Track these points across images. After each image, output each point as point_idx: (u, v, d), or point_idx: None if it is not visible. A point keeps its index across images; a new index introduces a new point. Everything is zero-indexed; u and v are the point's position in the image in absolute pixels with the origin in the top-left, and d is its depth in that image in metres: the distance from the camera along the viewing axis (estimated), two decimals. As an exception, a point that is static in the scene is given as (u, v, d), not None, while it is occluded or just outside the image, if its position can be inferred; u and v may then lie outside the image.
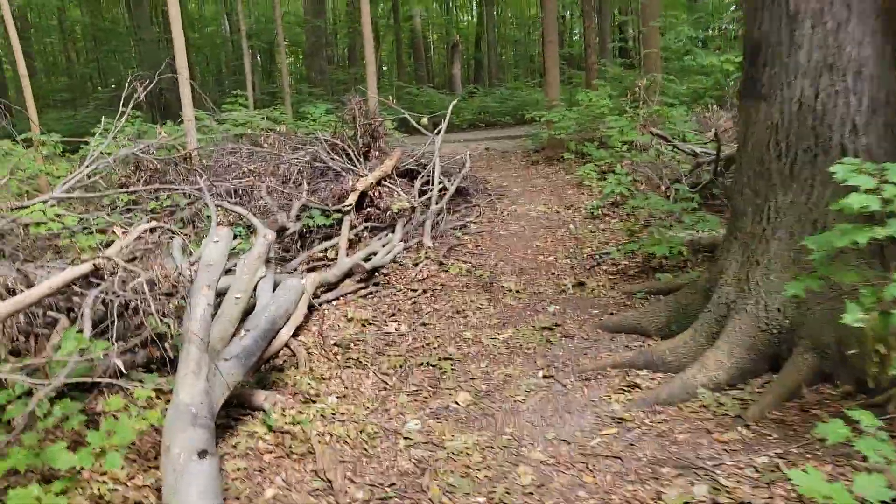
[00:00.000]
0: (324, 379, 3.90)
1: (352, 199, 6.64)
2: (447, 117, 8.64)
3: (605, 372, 3.66)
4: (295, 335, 4.43)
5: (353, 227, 6.66)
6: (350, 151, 7.91)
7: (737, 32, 23.23)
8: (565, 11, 32.91)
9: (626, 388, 3.41)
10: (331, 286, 5.35)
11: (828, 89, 2.91)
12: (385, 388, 3.78)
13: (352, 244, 6.65)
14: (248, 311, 4.10)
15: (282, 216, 5.78)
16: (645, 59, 12.95)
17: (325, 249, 6.24)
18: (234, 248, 5.48)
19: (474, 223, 7.63)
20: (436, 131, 8.45)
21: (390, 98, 9.06)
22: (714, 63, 11.97)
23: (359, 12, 27.12)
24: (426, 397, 3.62)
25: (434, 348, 4.31)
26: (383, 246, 6.32)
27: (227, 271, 4.81)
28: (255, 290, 4.23)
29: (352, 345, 4.39)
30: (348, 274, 5.59)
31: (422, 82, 28.25)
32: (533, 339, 4.31)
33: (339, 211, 6.60)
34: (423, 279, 5.80)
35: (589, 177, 9.32)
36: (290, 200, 6.46)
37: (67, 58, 30.65)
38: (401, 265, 6.15)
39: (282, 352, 4.22)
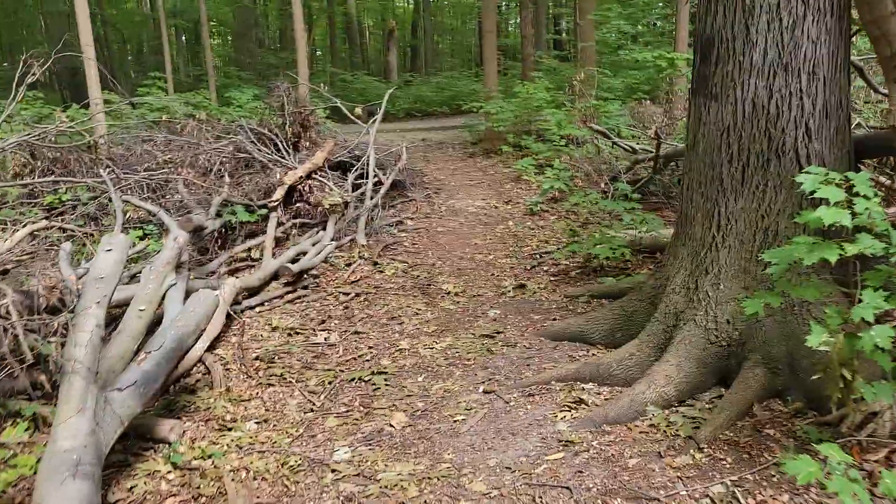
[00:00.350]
0: (242, 400, 3.50)
1: (279, 193, 6.18)
2: (383, 106, 8.26)
3: (549, 386, 3.44)
4: (211, 348, 4.00)
5: (280, 224, 6.21)
6: (278, 142, 7.40)
7: (663, 29, 23.80)
8: (501, 2, 32.84)
9: (571, 405, 3.20)
10: (254, 291, 4.91)
11: (782, 90, 2.76)
12: (312, 410, 3.42)
13: (279, 243, 6.20)
14: (157, 322, 3.65)
15: (199, 214, 5.28)
16: (581, 52, 12.93)
17: (250, 249, 5.77)
18: (142, 251, 4.96)
19: (411, 219, 7.31)
20: (370, 121, 8.05)
21: (322, 85, 8.54)
22: (647, 58, 12.06)
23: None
24: (357, 419, 3.30)
25: (367, 360, 3.98)
26: (313, 245, 5.91)
27: (133, 277, 4.32)
28: (163, 299, 3.77)
29: (276, 358, 4.00)
30: (274, 276, 5.16)
31: (357, 69, 27.53)
32: (473, 348, 4.05)
33: (264, 207, 6.13)
34: (357, 281, 5.44)
35: (527, 171, 9.16)
36: (210, 195, 5.93)
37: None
38: (332, 265, 5.77)
39: (195, 369, 3.79)
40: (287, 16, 29.93)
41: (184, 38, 33.02)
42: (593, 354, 3.76)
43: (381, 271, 5.66)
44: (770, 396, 2.87)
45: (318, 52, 35.96)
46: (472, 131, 12.94)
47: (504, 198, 8.27)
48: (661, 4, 23.84)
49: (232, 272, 5.44)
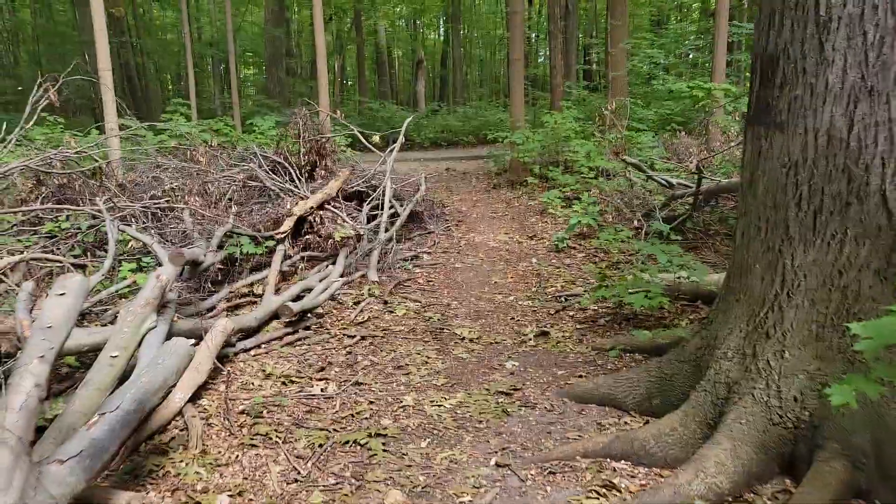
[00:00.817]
0: (219, 465, 3.05)
1: (287, 225, 5.81)
2: (402, 134, 7.92)
3: (573, 463, 2.91)
4: (195, 398, 3.57)
5: (287, 257, 5.83)
6: (292, 170, 7.08)
7: (696, 60, 23.33)
8: (531, 33, 32.83)
9: (600, 491, 2.67)
10: (251, 331, 4.49)
11: (865, 119, 2.27)
12: (297, 480, 2.95)
13: (286, 277, 5.81)
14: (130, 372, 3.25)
15: (199, 245, 4.92)
16: (613, 82, 12.52)
17: (252, 284, 5.39)
18: (131, 285, 4.59)
19: (428, 253, 6.88)
20: (388, 150, 7.70)
21: (339, 112, 8.26)
22: (682, 88, 11.60)
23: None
24: (347, 495, 2.81)
25: (365, 419, 3.50)
26: (321, 280, 5.50)
27: (116, 317, 3.94)
28: (141, 344, 3.37)
29: (264, 412, 3.55)
30: (275, 315, 4.75)
31: (385, 98, 27.61)
32: (487, 407, 3.55)
33: (271, 238, 5.76)
34: (364, 322, 4.99)
35: (553, 204, 8.70)
36: (216, 225, 5.58)
37: (14, 59, 28.96)
38: (340, 303, 5.34)
39: (173, 423, 3.35)
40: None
41: (222, 67, 33.69)
42: (625, 423, 3.23)
43: (392, 311, 5.20)
44: (852, 496, 2.31)
45: (350, 82, 36.37)
46: (497, 161, 12.55)
47: (528, 232, 7.79)
48: (692, 36, 23.44)
49: (232, 308, 5.04)
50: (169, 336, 3.57)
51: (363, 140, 7.84)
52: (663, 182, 5.84)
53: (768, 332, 2.58)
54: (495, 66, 40.87)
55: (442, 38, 37.60)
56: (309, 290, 5.29)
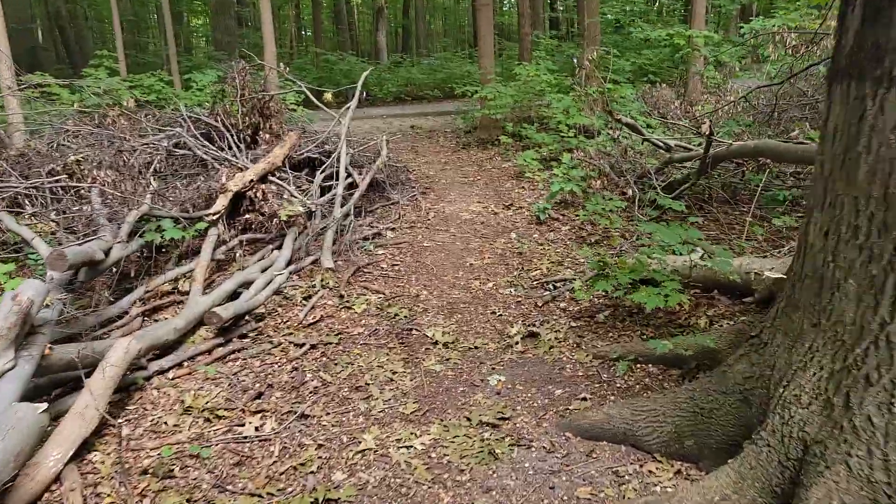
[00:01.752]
0: (104, 563, 2.22)
1: (220, 203, 4.85)
2: (358, 90, 6.90)
3: (590, 544, 2.17)
4: (82, 453, 2.71)
5: (222, 242, 4.89)
6: (229, 136, 6.05)
7: (666, 6, 22.34)
8: (497, -22, 31.22)
9: None
10: (170, 346, 3.61)
11: None
12: (212, 583, 2.15)
13: (221, 266, 4.88)
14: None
15: (102, 236, 3.94)
16: (588, 29, 11.55)
17: (178, 278, 4.45)
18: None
19: (392, 230, 6.00)
20: (343, 110, 6.69)
21: (283, 66, 7.15)
22: (661, 36, 10.74)
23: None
24: None
25: (311, 472, 2.69)
26: (262, 271, 4.60)
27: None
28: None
29: (177, 469, 2.71)
30: (202, 320, 3.86)
31: (344, 49, 25.98)
32: (469, 448, 2.78)
33: (200, 219, 4.79)
34: (316, 323, 4.14)
35: (530, 167, 7.85)
36: (130, 207, 4.59)
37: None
38: (286, 298, 4.47)
39: (46, 496, 2.49)
40: (270, -7, 28.38)
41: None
42: (650, 472, 2.49)
43: (349, 306, 4.36)
44: None
45: (306, 32, 34.28)
46: (465, 119, 11.58)
47: (504, 200, 6.95)
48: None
49: (150, 312, 4.12)
50: (41, 373, 2.67)
51: (312, 98, 6.80)
52: (660, 145, 5.04)
53: (869, 377, 1.83)
54: (460, 15, 39.16)
55: (403, -16, 35.67)
56: (248, 283, 4.39)
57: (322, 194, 6.11)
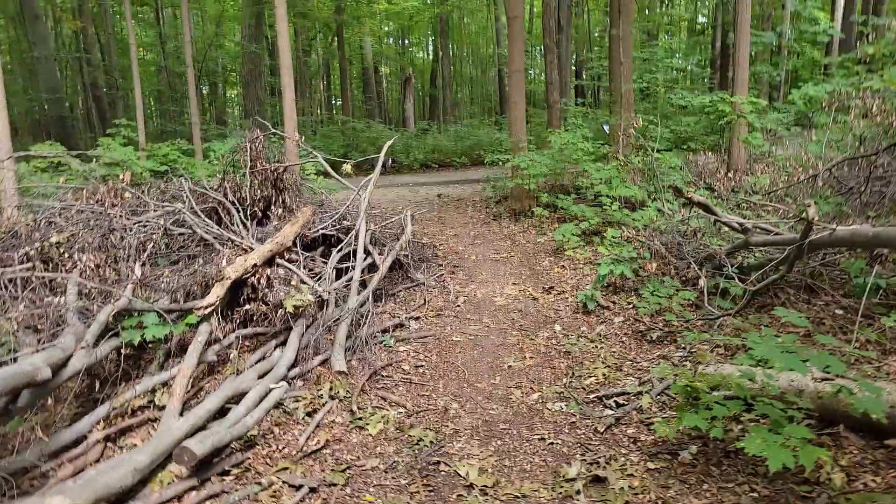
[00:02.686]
0: None
1: (214, 294, 4.13)
2: (380, 161, 6.29)
3: None
4: None
5: (216, 340, 4.14)
6: (234, 210, 5.43)
7: (699, 76, 22.04)
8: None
9: None
10: (127, 493, 2.79)
11: None
12: None
13: (214, 369, 4.12)
14: None
15: (58, 343, 3.22)
16: (623, 96, 11.01)
17: (156, 388, 3.69)
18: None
19: (416, 319, 5.21)
20: (363, 182, 6.05)
21: (298, 134, 6.60)
22: (705, 103, 10.12)
23: (306, 38, 24.76)
24: None
25: None
26: (260, 377, 3.82)
27: None
28: None
29: None
30: (173, 457, 3.05)
31: (372, 117, 26.11)
32: None
33: (191, 313, 4.07)
34: (319, 450, 3.31)
35: (568, 242, 7.08)
36: (104, 300, 3.90)
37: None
38: (287, 413, 3.66)
39: None
40: (303, 63, 29.02)
41: (206, 87, 32.21)
42: None
43: (363, 427, 3.53)
44: None
45: (337, 101, 34.85)
46: (495, 188, 10.95)
47: (542, 281, 6.15)
48: (692, 50, 22.16)
49: (116, 435, 3.34)
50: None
51: (329, 170, 6.19)
52: (735, 227, 4.23)
53: None
54: (486, 84, 39.70)
55: (430, 56, 36.47)
56: (241, 395, 3.61)
57: (338, 277, 5.39)
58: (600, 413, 3.53)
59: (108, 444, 3.28)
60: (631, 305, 5.15)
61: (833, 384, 2.53)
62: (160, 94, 28.36)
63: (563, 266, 6.61)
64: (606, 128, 13.82)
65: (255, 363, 4.09)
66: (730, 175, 8.61)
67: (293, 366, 4.13)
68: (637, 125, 6.55)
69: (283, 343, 4.38)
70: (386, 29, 32.76)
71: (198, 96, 29.60)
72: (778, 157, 9.67)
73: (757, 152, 10.09)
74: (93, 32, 22.83)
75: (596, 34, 30.21)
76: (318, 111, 30.87)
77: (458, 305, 5.54)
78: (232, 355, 4.10)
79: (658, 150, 8.93)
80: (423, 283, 6.04)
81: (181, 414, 3.30)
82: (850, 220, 4.37)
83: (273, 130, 6.01)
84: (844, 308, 4.36)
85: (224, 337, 4.19)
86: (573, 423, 3.48)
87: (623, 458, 3.01)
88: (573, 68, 27.65)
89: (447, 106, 30.35)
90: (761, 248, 4.56)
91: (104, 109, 22.36)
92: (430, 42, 36.65)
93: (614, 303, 5.26)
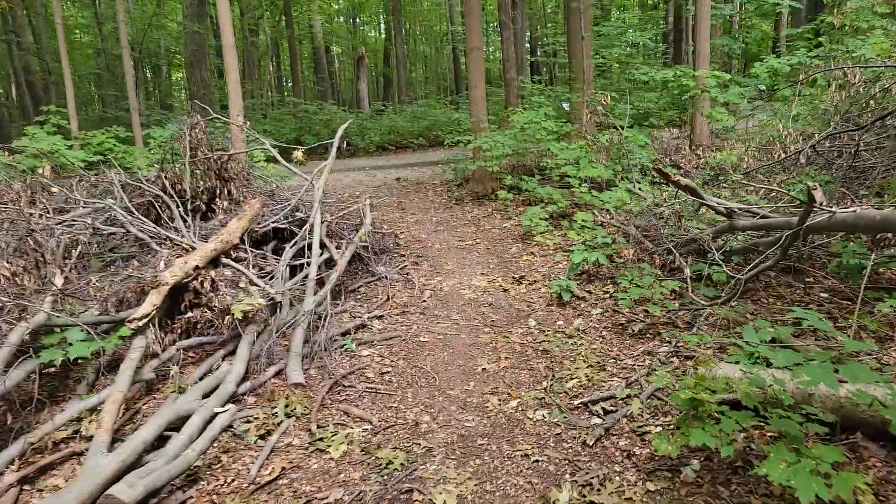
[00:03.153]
0: None
1: (149, 303, 3.64)
2: (334, 148, 5.80)
3: None
4: None
5: (152, 355, 3.66)
6: (172, 205, 4.89)
7: (655, 50, 21.99)
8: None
9: None
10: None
11: None
12: None
13: (151, 387, 3.65)
14: None
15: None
16: (584, 72, 10.71)
17: (83, 416, 3.21)
18: None
19: (379, 317, 4.81)
20: (316, 171, 5.56)
21: (241, 118, 6.02)
22: (668, 77, 9.90)
23: (252, 17, 23.62)
24: None
25: None
26: (205, 395, 3.38)
27: None
28: None
29: None
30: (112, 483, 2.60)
31: (325, 98, 25.25)
32: None
33: (122, 325, 3.58)
34: (274, 481, 2.91)
35: (536, 227, 6.77)
36: (19, 315, 3.38)
37: None
38: (237, 437, 3.24)
39: None
40: (250, 43, 27.81)
41: (147, 69, 30.65)
42: None
43: (323, 449, 3.13)
44: None
45: (288, 82, 33.65)
46: (456, 170, 10.55)
47: (512, 271, 5.82)
48: (644, 25, 22.10)
49: (35, 476, 2.86)
50: None
51: (279, 158, 5.68)
52: (721, 210, 3.95)
53: None
54: (441, 63, 39.10)
55: (384, 35, 35.59)
56: (184, 418, 3.17)
57: (292, 275, 4.94)
58: (587, 422, 3.22)
59: (25, 486, 2.80)
60: (608, 295, 4.86)
61: (860, 393, 2.26)
62: (99, 78, 26.80)
63: (532, 253, 6.29)
64: (566, 105, 13.54)
65: (200, 378, 3.64)
66: (698, 152, 8.41)
67: (244, 380, 3.69)
68: (606, 102, 6.24)
69: (233, 353, 3.93)
70: (336, 7, 31.71)
71: (140, 79, 28.20)
72: (747, 132, 9.55)
73: (720, 127, 9.96)
74: (22, 14, 21.30)
75: (549, 10, 29.91)
76: (269, 94, 29.77)
77: (425, 300, 5.16)
78: (172, 371, 3.62)
79: (622, 128, 8.69)
80: (386, 277, 5.63)
81: (111, 448, 2.84)
82: (848, 202, 4.15)
83: (214, 115, 5.46)
84: (829, 291, 4.17)
85: (163, 350, 3.72)
86: (558, 434, 3.16)
87: (618, 478, 2.71)
88: (527, 45, 27.29)
89: (402, 86, 29.66)
90: (746, 233, 4.31)
91: (38, 95, 20.92)
92: (382, 20, 35.72)
93: (590, 293, 4.97)
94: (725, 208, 4.03)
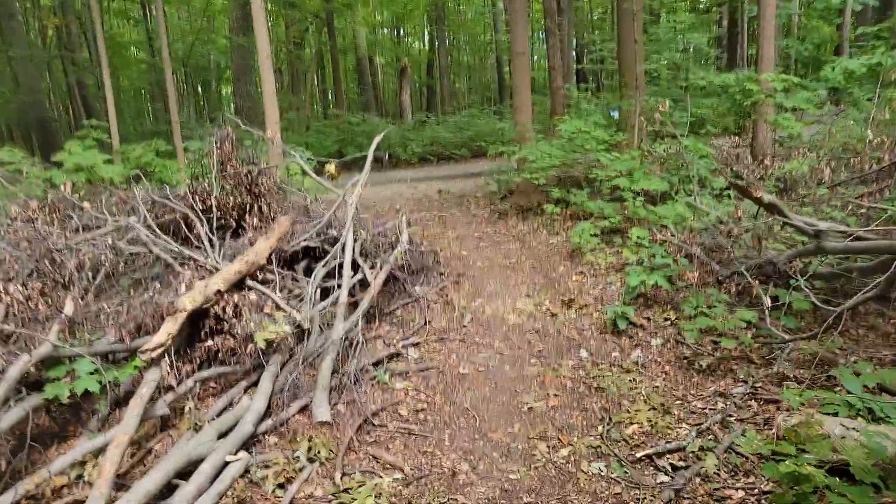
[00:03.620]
0: None
1: (164, 332, 3.35)
2: (368, 161, 5.48)
3: None
4: None
5: (167, 388, 3.37)
6: (198, 223, 4.64)
7: (707, 55, 21.14)
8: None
9: None
10: None
11: None
12: None
13: (167, 423, 3.36)
14: None
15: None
16: (637, 78, 10.16)
17: (86, 460, 2.92)
18: None
19: (415, 345, 4.42)
20: (349, 185, 5.25)
21: (271, 132, 5.72)
22: (729, 83, 9.29)
23: (297, 30, 23.76)
24: None
25: None
26: (221, 436, 3.06)
27: None
28: None
29: None
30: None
31: (368, 110, 25.25)
32: None
33: (136, 356, 3.30)
34: (290, 542, 2.54)
35: (586, 243, 6.28)
36: (19, 347, 3.13)
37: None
38: (254, 485, 2.90)
39: None
40: (294, 56, 28.13)
41: (199, 85, 31.47)
42: None
43: (347, 503, 2.75)
44: None
45: (333, 95, 33.93)
46: (500, 182, 10.13)
47: (560, 292, 5.36)
48: (699, 29, 21.27)
49: (27, 530, 2.58)
50: None
51: (310, 173, 5.39)
52: (808, 230, 3.41)
53: None
54: (484, 73, 38.84)
55: (426, 45, 35.58)
56: (197, 462, 2.85)
57: (324, 296, 4.61)
58: (652, 479, 2.75)
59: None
60: (669, 322, 4.36)
61: None
62: (152, 93, 27.51)
63: (582, 273, 5.81)
64: (615, 114, 12.96)
65: (219, 414, 3.33)
66: (766, 163, 7.77)
67: (265, 415, 3.36)
68: (663, 108, 5.75)
69: (256, 383, 3.61)
70: (379, 18, 31.81)
71: (189, 94, 28.84)
72: (812, 140, 8.83)
73: (786, 135, 9.25)
74: (78, 31, 22.03)
75: (596, 16, 29.26)
76: (314, 106, 30.05)
77: (465, 326, 4.75)
78: (188, 407, 3.32)
79: (673, 136, 8.12)
80: (424, 298, 5.25)
81: (113, 498, 2.53)
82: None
83: (244, 126, 5.21)
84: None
85: (179, 383, 3.42)
86: (618, 494, 2.70)
87: (696, 559, 2.24)
88: (573, 53, 26.70)
89: (445, 96, 29.48)
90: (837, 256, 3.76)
91: (92, 110, 21.56)
92: (426, 31, 35.69)
93: (648, 319, 4.47)
94: (811, 227, 3.50)
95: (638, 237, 5.62)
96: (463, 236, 7.79)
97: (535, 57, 31.23)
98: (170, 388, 3.37)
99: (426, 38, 36.35)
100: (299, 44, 27.06)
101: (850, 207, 4.44)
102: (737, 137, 9.96)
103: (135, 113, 24.51)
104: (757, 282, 3.94)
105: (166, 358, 3.38)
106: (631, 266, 4.85)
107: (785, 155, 9.70)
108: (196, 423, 3.25)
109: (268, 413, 3.42)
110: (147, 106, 29.56)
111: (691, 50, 22.15)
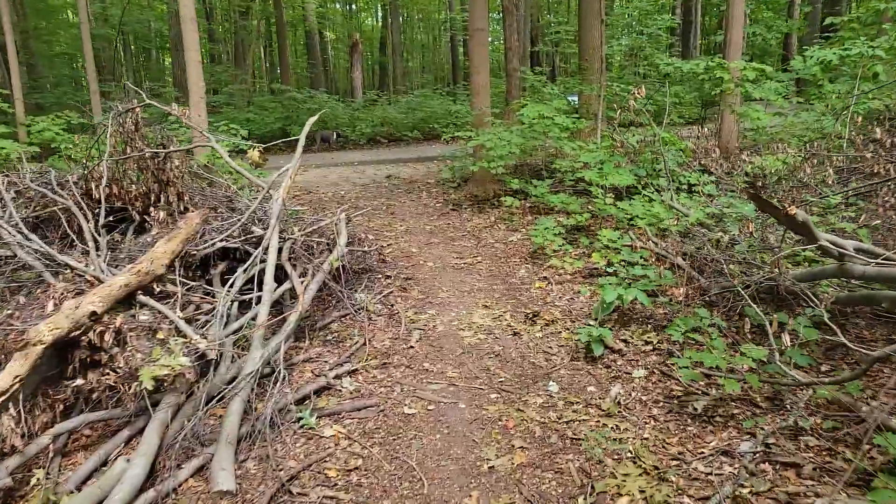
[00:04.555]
0: None
1: (10, 374, 2.48)
2: (300, 144, 4.62)
3: None
4: None
5: (10, 450, 2.51)
6: (80, 218, 3.73)
7: (665, 42, 20.85)
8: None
9: None
10: None
11: None
12: None
13: (9, 499, 2.50)
14: None
15: None
16: (599, 61, 9.55)
17: None
18: None
19: (351, 373, 3.66)
20: (273, 179, 4.40)
21: (178, 108, 4.78)
22: (696, 69, 8.77)
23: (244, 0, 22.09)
24: None
25: None
26: (75, 525, 2.23)
27: None
28: None
29: None
30: None
31: (317, 86, 23.96)
32: None
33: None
34: None
35: (549, 243, 5.63)
36: None
37: None
38: None
39: None
40: (242, 27, 26.46)
41: (131, 52, 29.33)
42: None
43: None
44: None
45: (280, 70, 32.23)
46: (453, 169, 9.40)
47: (523, 303, 4.69)
48: (658, 16, 20.96)
49: None
50: None
51: (227, 160, 4.51)
52: (834, 253, 2.82)
53: None
54: (438, 53, 37.86)
55: (379, 22, 34.32)
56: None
57: (244, 310, 3.79)
58: (653, 584, 2.10)
59: None
60: (650, 347, 3.74)
61: None
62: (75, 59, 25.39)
63: (545, 279, 5.15)
64: (574, 98, 12.35)
65: (84, 481, 2.50)
66: (743, 157, 7.29)
67: (148, 483, 2.56)
68: (640, 95, 5.09)
69: (143, 431, 2.79)
70: (329, -12, 30.33)
71: (126, 63, 26.83)
72: (776, 133, 8.43)
73: (752, 127, 8.84)
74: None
75: (551, -2, 28.66)
76: (258, 80, 28.46)
77: (412, 346, 4.02)
78: (35, 478, 2.47)
79: (637, 124, 7.60)
80: (363, 307, 4.48)
81: None
82: None
83: (148, 101, 4.26)
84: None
85: (33, 437, 2.57)
86: None
87: None
88: (529, 34, 26.02)
89: (398, 75, 28.43)
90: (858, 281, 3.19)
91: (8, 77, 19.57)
92: (379, 6, 34.34)
93: (626, 342, 3.84)
94: (837, 249, 2.91)
95: (609, 240, 5.00)
96: (412, 229, 7.03)
97: (490, 38, 30.43)
98: (13, 450, 2.52)
99: (379, 14, 35.03)
100: (245, 13, 25.43)
101: (862, 217, 3.91)
102: (702, 128, 9.48)
103: (72, 84, 22.49)
104: (758, 304, 3.34)
105: (10, 409, 2.52)
106: (603, 277, 4.21)
107: (751, 147, 9.31)
108: (50, 499, 2.42)
109: (152, 477, 2.61)
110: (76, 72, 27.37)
111: (645, 37, 21.86)
